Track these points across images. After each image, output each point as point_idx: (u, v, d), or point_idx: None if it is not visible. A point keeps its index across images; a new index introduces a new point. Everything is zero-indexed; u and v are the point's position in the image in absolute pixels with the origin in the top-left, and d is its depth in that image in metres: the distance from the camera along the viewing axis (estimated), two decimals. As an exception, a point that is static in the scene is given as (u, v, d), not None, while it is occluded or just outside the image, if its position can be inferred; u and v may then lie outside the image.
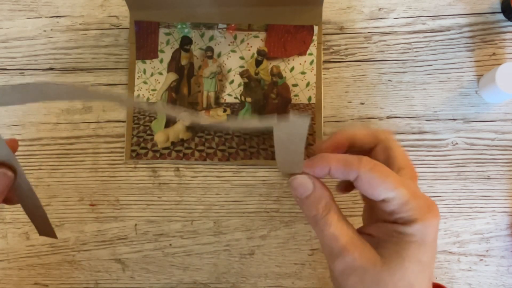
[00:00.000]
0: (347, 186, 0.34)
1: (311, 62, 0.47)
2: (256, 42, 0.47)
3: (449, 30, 0.47)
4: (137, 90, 0.47)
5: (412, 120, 0.46)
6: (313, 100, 0.47)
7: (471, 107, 0.47)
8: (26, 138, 0.47)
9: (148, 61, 0.47)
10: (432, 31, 0.48)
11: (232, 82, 0.47)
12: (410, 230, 0.28)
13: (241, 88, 0.47)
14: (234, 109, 0.47)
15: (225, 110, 0.47)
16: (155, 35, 0.48)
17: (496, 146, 0.46)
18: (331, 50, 0.48)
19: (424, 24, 0.48)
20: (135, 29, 0.48)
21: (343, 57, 0.48)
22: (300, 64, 0.47)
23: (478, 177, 0.46)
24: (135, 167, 0.47)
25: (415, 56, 0.47)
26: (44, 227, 0.35)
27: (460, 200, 0.46)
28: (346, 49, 0.48)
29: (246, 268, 0.46)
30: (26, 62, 0.48)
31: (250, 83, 0.47)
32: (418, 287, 0.28)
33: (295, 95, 0.47)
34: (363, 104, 0.47)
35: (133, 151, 0.47)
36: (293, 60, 0.47)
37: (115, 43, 0.48)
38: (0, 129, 0.47)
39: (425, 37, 0.47)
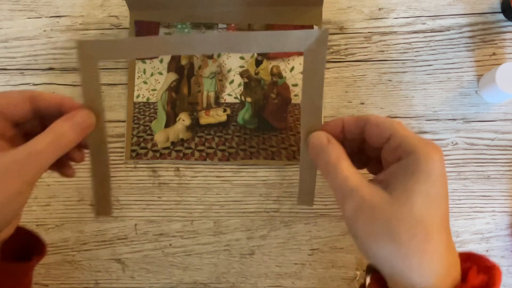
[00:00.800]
0: None
1: (311, 62, 0.47)
2: (256, 42, 0.47)
3: (449, 30, 0.47)
4: (137, 90, 0.47)
5: (412, 120, 0.46)
6: None
7: (471, 107, 0.47)
8: (26, 138, 0.47)
9: (148, 61, 0.47)
10: (432, 31, 0.48)
11: (232, 82, 0.47)
12: (413, 161, 0.29)
13: (241, 88, 0.47)
14: (234, 109, 0.47)
15: (225, 110, 0.47)
16: (154, 35, 0.48)
17: (496, 146, 0.46)
18: (331, 50, 0.48)
19: (424, 24, 0.48)
20: (135, 29, 0.48)
21: (343, 57, 0.48)
22: (300, 64, 0.47)
23: (478, 177, 0.46)
24: (135, 167, 0.47)
25: (415, 56, 0.47)
26: (103, 201, 0.36)
27: (460, 200, 0.46)
28: (346, 49, 0.48)
29: (246, 268, 0.46)
30: (26, 62, 0.48)
31: (250, 83, 0.47)
32: (429, 222, 0.28)
33: (295, 95, 0.47)
34: (363, 104, 0.47)
35: (133, 151, 0.47)
36: (293, 60, 0.47)
37: (115, 43, 0.48)
38: (0, 129, 0.47)
39: (425, 37, 0.47)
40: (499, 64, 0.43)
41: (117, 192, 0.47)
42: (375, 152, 0.34)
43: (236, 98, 0.47)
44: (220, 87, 0.47)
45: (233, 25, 0.48)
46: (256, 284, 0.46)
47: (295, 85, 0.47)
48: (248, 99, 0.47)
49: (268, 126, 0.47)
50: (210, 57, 0.47)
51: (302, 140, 0.35)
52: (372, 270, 0.32)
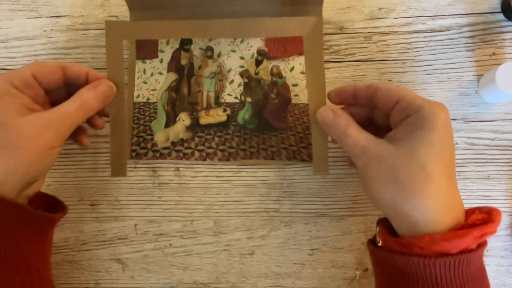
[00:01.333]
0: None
1: (311, 62, 0.47)
2: (256, 42, 0.47)
3: (449, 30, 0.47)
4: (137, 90, 0.47)
5: (412, 120, 0.46)
6: None
7: (471, 107, 0.47)
8: (26, 138, 0.47)
9: (148, 61, 0.47)
10: (432, 31, 0.48)
11: (232, 82, 0.47)
12: (419, 117, 0.32)
13: (241, 88, 0.47)
14: (234, 109, 0.47)
15: (225, 110, 0.47)
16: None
17: (496, 146, 0.46)
18: (331, 50, 0.48)
19: (424, 24, 0.48)
20: None
21: (343, 57, 0.48)
22: (300, 64, 0.47)
23: (478, 177, 0.46)
24: (135, 167, 0.47)
25: (415, 56, 0.47)
26: (119, 163, 0.43)
27: (460, 200, 0.46)
28: (346, 49, 0.48)
29: (246, 268, 0.46)
30: (26, 62, 0.48)
31: (250, 83, 0.47)
32: (431, 168, 0.31)
33: (295, 95, 0.47)
34: (363, 104, 0.47)
35: (133, 151, 0.47)
36: (293, 60, 0.47)
37: (115, 43, 0.48)
38: (0, 129, 0.47)
39: (425, 37, 0.47)
40: (499, 64, 0.43)
41: (117, 192, 0.47)
42: (384, 120, 0.37)
43: (236, 98, 0.47)
44: (220, 87, 0.47)
45: None
46: (256, 284, 0.46)
47: (295, 85, 0.47)
48: (248, 99, 0.47)
49: (268, 126, 0.47)
50: (210, 57, 0.47)
51: (311, 112, 0.41)
52: (381, 222, 0.37)
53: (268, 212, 0.46)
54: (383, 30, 0.48)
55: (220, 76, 0.47)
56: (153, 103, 0.47)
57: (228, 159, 0.46)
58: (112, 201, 0.47)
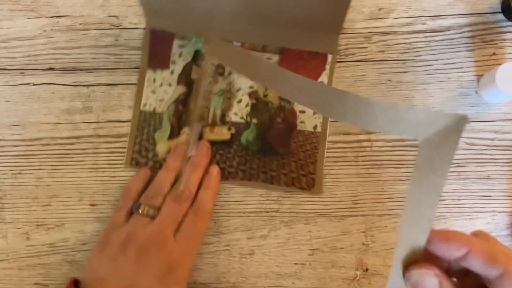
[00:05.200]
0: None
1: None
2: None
3: (449, 30, 0.47)
4: (145, 99, 0.47)
5: (412, 120, 0.46)
6: (319, 129, 0.46)
7: (471, 107, 0.47)
8: (26, 138, 0.47)
9: (158, 71, 0.47)
10: (432, 31, 0.48)
11: (240, 101, 0.47)
12: None
13: (248, 108, 0.47)
14: (238, 129, 0.47)
15: (230, 129, 0.47)
16: (168, 45, 0.47)
17: (496, 146, 0.46)
18: (331, 50, 0.48)
19: (424, 24, 0.48)
20: (150, 36, 0.47)
21: (343, 57, 0.48)
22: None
23: (478, 177, 0.46)
24: (136, 169, 0.47)
25: (415, 56, 0.47)
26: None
27: (460, 200, 0.46)
28: (346, 49, 0.48)
29: (246, 268, 0.46)
30: (26, 62, 0.48)
31: (258, 104, 0.47)
32: None
33: (301, 122, 0.46)
34: (363, 104, 0.47)
35: (133, 159, 0.46)
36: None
37: (115, 43, 0.48)
38: (0, 129, 0.47)
39: (425, 37, 0.47)
40: (499, 64, 0.43)
41: (117, 192, 0.47)
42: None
43: (242, 118, 0.47)
44: (227, 105, 0.47)
45: (247, 44, 0.47)
46: (256, 284, 0.46)
47: (302, 111, 0.46)
48: (254, 120, 0.47)
49: (271, 149, 0.46)
50: (221, 74, 0.47)
51: (395, 263, 0.27)
52: None
53: (268, 212, 0.46)
54: (383, 30, 0.48)
55: (228, 94, 0.47)
56: (159, 113, 0.47)
57: (227, 178, 0.46)
58: (112, 201, 0.47)
